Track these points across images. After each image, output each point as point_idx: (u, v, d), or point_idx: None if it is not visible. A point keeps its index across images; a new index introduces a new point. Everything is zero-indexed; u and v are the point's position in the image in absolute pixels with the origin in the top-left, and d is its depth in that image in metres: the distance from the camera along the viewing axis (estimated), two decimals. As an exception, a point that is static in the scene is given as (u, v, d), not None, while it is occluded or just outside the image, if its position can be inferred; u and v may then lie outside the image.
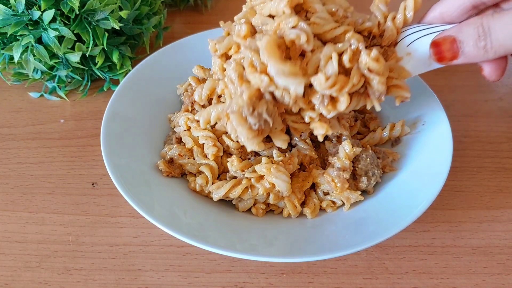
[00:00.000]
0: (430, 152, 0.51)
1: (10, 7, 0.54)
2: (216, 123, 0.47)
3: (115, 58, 0.61)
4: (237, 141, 0.50)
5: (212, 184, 0.49)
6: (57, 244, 0.48)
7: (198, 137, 0.51)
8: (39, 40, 0.57)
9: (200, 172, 0.51)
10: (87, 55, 0.59)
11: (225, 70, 0.45)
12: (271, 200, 0.48)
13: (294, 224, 0.48)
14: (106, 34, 0.58)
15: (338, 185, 0.47)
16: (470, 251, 0.49)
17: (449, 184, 0.54)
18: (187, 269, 0.46)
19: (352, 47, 0.38)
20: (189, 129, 0.53)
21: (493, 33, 0.33)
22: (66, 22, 0.57)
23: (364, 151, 0.50)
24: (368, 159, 0.50)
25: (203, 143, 0.51)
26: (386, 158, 0.52)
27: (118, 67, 0.63)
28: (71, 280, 0.45)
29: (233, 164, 0.48)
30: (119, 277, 0.46)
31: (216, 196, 0.48)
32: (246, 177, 0.48)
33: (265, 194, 0.47)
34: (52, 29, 0.56)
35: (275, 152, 0.48)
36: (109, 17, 0.57)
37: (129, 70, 0.61)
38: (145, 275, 0.46)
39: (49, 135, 0.60)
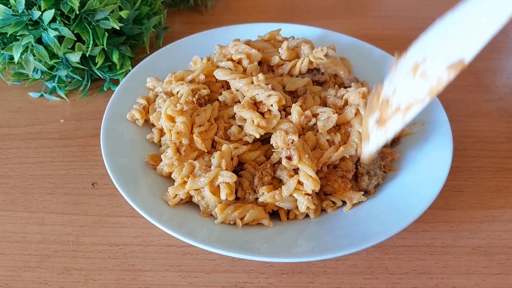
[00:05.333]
0: (430, 152, 0.51)
1: (10, 7, 0.54)
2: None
3: (115, 58, 0.61)
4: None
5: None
6: (57, 244, 0.48)
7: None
8: (39, 40, 0.57)
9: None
10: (87, 55, 0.59)
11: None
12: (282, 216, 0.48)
13: (294, 224, 0.48)
14: (106, 34, 0.58)
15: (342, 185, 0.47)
16: (470, 251, 0.49)
17: (449, 184, 0.54)
18: (187, 269, 0.46)
19: None
20: None
21: None
22: (66, 22, 0.57)
23: None
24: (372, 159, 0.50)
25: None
26: (385, 158, 0.52)
27: (118, 67, 0.63)
28: (71, 280, 0.45)
29: (227, 194, 0.45)
30: (119, 277, 0.45)
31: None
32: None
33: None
34: (52, 29, 0.56)
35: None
36: (109, 17, 0.57)
37: (129, 70, 0.61)
38: (145, 275, 0.46)
39: (49, 135, 0.60)
